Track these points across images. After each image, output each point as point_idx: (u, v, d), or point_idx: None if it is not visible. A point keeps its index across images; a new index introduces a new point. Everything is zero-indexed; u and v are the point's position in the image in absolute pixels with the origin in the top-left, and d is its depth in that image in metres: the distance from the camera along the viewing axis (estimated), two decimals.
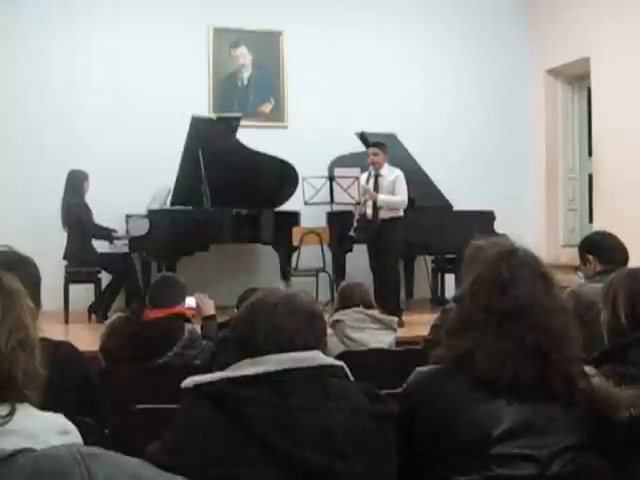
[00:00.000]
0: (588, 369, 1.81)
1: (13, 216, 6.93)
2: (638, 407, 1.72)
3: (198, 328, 3.58)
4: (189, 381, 1.53)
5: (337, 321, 3.77)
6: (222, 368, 1.57)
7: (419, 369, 1.79)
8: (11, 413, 1.32)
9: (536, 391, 1.64)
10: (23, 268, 2.09)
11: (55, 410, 1.44)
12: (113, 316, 3.60)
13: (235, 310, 3.45)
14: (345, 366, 1.62)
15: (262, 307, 1.61)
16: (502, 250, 1.80)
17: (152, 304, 3.48)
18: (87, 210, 6.67)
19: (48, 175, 7.00)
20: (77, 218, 6.59)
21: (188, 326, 3.41)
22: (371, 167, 6.50)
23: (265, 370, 1.51)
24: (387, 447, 1.55)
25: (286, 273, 6.94)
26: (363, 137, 7.51)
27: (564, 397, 1.66)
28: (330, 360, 1.61)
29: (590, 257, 3.22)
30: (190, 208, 6.86)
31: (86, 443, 1.34)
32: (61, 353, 2.19)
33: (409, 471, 1.62)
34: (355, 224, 6.37)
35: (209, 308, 3.80)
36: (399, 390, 1.81)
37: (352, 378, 1.63)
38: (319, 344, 1.61)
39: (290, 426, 1.45)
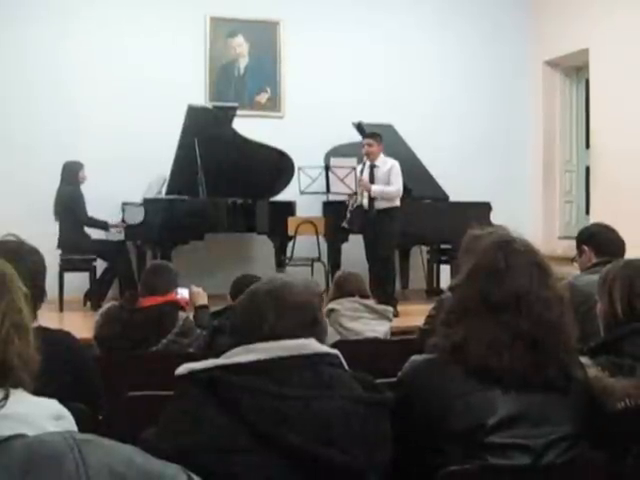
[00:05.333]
0: (584, 360, 1.81)
1: (8, 203, 6.89)
2: (633, 397, 1.73)
3: (191, 317, 3.58)
4: (183, 368, 1.53)
5: (332, 310, 3.76)
6: (217, 356, 1.57)
7: (414, 358, 1.79)
8: (5, 398, 1.31)
9: (531, 381, 1.63)
10: (29, 257, 2.11)
11: (53, 397, 1.43)
12: (107, 304, 3.60)
13: (229, 296, 3.46)
14: (340, 355, 1.62)
15: (260, 296, 1.60)
16: (499, 239, 1.79)
17: (145, 291, 3.48)
18: (80, 199, 6.63)
19: (44, 163, 6.96)
20: (69, 206, 6.56)
21: (182, 314, 3.41)
22: (365, 158, 6.46)
23: (259, 358, 1.50)
24: (382, 436, 1.55)
25: (281, 263, 6.93)
26: (360, 127, 7.49)
27: (559, 387, 1.66)
28: (325, 348, 1.59)
29: (586, 248, 3.22)
30: (185, 197, 6.84)
31: (80, 429, 1.34)
32: (60, 342, 2.19)
33: (404, 460, 1.62)
34: (348, 215, 6.34)
35: (201, 299, 3.80)
36: (394, 379, 1.81)
37: (347, 367, 1.62)
38: (317, 332, 1.60)
39: (284, 414, 1.44)
